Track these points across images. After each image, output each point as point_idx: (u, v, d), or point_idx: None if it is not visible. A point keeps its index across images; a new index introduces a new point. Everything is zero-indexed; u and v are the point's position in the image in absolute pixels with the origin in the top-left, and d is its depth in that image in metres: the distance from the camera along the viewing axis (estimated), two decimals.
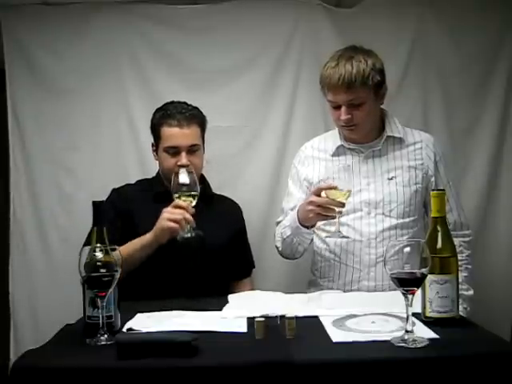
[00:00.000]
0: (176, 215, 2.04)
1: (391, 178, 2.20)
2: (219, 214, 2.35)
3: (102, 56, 2.74)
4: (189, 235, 2.02)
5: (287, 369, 1.35)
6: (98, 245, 1.55)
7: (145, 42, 2.76)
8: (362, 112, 2.13)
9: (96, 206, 1.63)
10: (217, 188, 2.54)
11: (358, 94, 2.10)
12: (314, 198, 2.02)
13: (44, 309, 2.70)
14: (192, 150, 2.27)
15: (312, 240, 2.28)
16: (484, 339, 1.52)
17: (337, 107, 2.15)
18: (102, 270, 1.51)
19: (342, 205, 2.00)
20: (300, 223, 2.12)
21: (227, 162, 2.77)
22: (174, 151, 2.25)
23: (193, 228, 2.03)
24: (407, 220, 2.19)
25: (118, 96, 2.76)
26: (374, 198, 2.19)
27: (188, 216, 2.04)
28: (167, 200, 2.23)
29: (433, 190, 1.82)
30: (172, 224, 2.04)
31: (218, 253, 2.29)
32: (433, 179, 2.22)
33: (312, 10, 2.74)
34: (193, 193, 2.06)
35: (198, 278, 2.21)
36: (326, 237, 2.21)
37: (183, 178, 2.06)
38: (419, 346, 1.42)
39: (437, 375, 1.35)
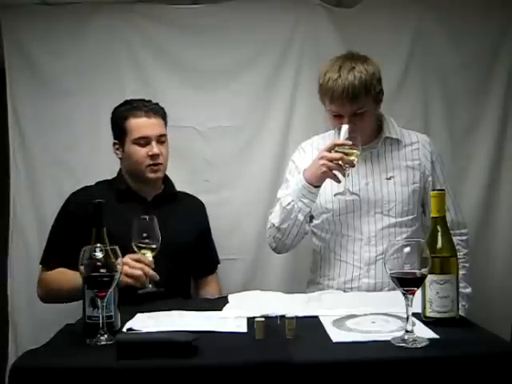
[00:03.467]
0: (135, 270, 1.95)
1: (389, 178, 2.22)
2: (185, 213, 2.34)
3: (102, 56, 2.74)
4: (149, 289, 1.94)
5: (287, 369, 1.35)
6: (98, 245, 1.55)
7: (144, 41, 2.76)
8: (364, 121, 2.16)
9: (96, 206, 1.63)
10: (217, 188, 2.54)
11: (362, 104, 2.12)
12: (327, 153, 2.04)
13: (44, 309, 2.69)
14: (161, 140, 2.26)
15: (309, 232, 2.28)
16: (484, 339, 1.52)
17: (338, 117, 2.16)
18: (102, 270, 1.51)
19: (353, 164, 2.04)
20: (308, 182, 2.11)
21: (227, 161, 2.76)
22: (145, 141, 2.23)
23: (154, 282, 1.97)
24: (406, 219, 2.21)
25: (117, 95, 2.73)
26: (373, 197, 2.20)
27: (149, 270, 1.97)
28: (130, 199, 2.23)
29: (433, 190, 1.82)
30: (130, 280, 1.95)
31: (185, 252, 2.27)
32: (430, 179, 2.24)
33: (312, 10, 2.74)
34: (153, 246, 1.99)
35: (166, 277, 2.12)
36: (336, 194, 2.16)
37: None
38: (419, 346, 1.42)
39: (437, 375, 1.35)
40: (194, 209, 2.42)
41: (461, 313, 1.84)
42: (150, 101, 2.33)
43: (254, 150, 2.79)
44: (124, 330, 1.60)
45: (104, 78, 2.74)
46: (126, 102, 2.33)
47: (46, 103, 2.75)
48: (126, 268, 1.94)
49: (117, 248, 1.55)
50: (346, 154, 2.03)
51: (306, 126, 2.73)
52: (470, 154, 2.77)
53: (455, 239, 2.13)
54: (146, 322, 1.64)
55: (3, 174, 2.84)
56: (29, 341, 2.55)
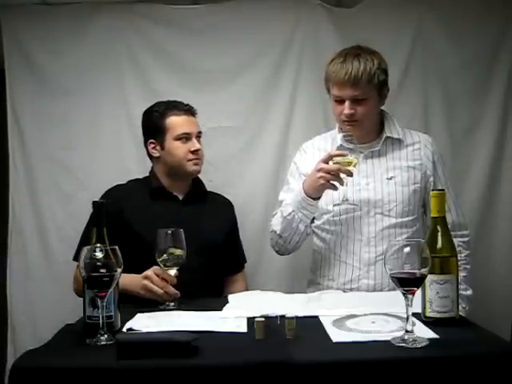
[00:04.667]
0: (157, 290, 1.95)
1: (390, 178, 2.21)
2: (214, 211, 2.37)
3: (102, 55, 2.74)
4: (170, 306, 1.92)
5: (287, 369, 1.35)
6: (98, 245, 1.55)
7: (145, 41, 2.76)
8: (365, 108, 2.15)
9: (96, 205, 1.63)
10: (217, 188, 2.54)
11: (363, 91, 2.13)
12: (324, 165, 2.05)
13: (44, 309, 2.69)
14: (199, 136, 2.34)
15: (311, 230, 2.29)
16: (484, 339, 1.52)
17: (340, 102, 2.17)
18: (102, 270, 1.51)
19: (351, 174, 2.04)
20: (306, 195, 2.12)
21: (227, 162, 2.77)
22: (186, 138, 2.29)
23: (176, 298, 1.95)
24: (406, 219, 2.20)
25: (117, 95, 2.76)
26: (374, 197, 2.20)
27: (170, 289, 1.96)
28: (163, 197, 2.24)
29: (433, 190, 1.82)
30: (149, 296, 1.97)
31: (215, 250, 2.29)
32: (431, 179, 2.24)
33: (312, 10, 2.74)
34: (179, 260, 1.97)
35: (197, 275, 2.20)
36: (335, 205, 2.19)
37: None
38: (419, 346, 1.42)
39: (437, 375, 1.35)
40: (223, 207, 2.45)
41: (462, 315, 1.84)
42: (182, 102, 2.36)
43: (254, 151, 2.79)
44: (124, 330, 1.59)
45: (104, 78, 2.75)
46: (161, 102, 2.36)
47: (46, 103, 2.75)
48: (148, 283, 1.96)
49: (117, 248, 1.55)
50: (339, 163, 2.04)
51: (305, 127, 2.73)
52: (470, 154, 2.77)
53: (456, 241, 2.13)
54: (146, 322, 1.64)
55: (2, 173, 2.84)
56: (28, 341, 2.56)
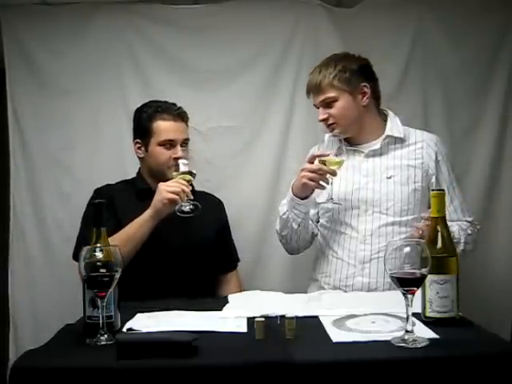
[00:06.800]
0: (174, 187, 2.09)
1: (390, 177, 2.22)
2: (204, 210, 2.36)
3: (102, 55, 2.75)
4: (187, 208, 2.05)
5: (287, 369, 1.35)
6: (98, 245, 1.55)
7: (144, 41, 2.77)
8: (337, 110, 2.21)
9: (96, 206, 1.63)
10: (217, 188, 2.54)
11: (328, 95, 2.21)
12: (307, 165, 2.11)
13: (44, 309, 2.70)
14: (185, 143, 2.32)
15: (317, 230, 2.32)
16: (484, 339, 1.52)
17: (318, 109, 2.26)
18: (102, 270, 1.51)
19: (334, 173, 2.09)
20: (294, 195, 2.16)
21: (227, 161, 2.77)
22: (170, 144, 2.28)
23: (190, 200, 2.08)
24: (405, 218, 2.19)
25: (117, 95, 2.76)
26: (372, 196, 2.21)
27: (185, 188, 2.08)
28: (150, 197, 2.24)
29: (433, 189, 1.82)
30: (172, 195, 2.08)
31: (206, 248, 2.31)
32: (433, 179, 2.23)
33: (312, 10, 2.74)
34: (193, 172, 2.14)
35: (187, 273, 2.20)
36: (320, 203, 2.26)
37: (183, 168, 2.14)
38: (419, 346, 1.42)
39: (437, 375, 1.35)
40: (212, 206, 2.44)
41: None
42: (175, 104, 2.36)
43: (254, 151, 2.79)
44: (124, 330, 1.59)
45: (104, 78, 2.75)
46: (152, 103, 2.37)
47: (46, 102, 2.75)
48: (165, 187, 2.11)
49: (117, 248, 1.55)
50: (325, 163, 2.08)
51: (305, 127, 2.73)
52: (469, 153, 2.77)
53: (463, 224, 2.16)
54: (146, 322, 1.64)
55: (3, 173, 2.84)
56: (29, 341, 2.55)
